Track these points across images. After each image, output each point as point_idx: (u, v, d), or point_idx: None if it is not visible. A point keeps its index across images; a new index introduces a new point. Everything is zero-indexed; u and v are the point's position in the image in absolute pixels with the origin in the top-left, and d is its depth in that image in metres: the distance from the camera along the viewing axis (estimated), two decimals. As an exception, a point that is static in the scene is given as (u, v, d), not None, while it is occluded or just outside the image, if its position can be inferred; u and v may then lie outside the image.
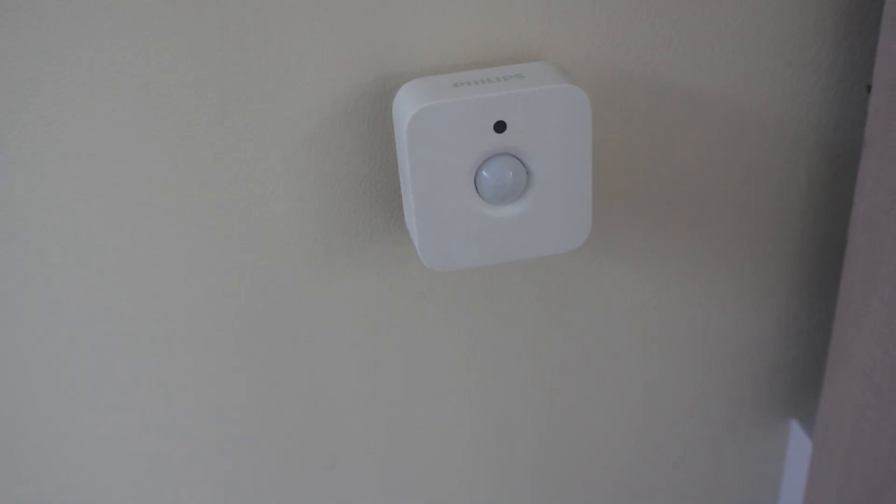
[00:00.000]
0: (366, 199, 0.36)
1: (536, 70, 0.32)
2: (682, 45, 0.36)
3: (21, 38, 0.30)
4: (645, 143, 0.38)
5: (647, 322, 0.43)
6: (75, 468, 0.40)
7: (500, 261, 0.34)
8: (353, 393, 0.41)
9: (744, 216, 0.41)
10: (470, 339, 0.41)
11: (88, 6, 0.30)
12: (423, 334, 0.40)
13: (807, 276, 0.44)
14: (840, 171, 0.41)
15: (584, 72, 0.35)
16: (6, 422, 0.38)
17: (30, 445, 0.39)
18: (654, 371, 0.45)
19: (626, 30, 0.35)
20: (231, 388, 0.40)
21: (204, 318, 0.37)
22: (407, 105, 0.31)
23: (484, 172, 0.32)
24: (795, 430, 0.49)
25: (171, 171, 0.34)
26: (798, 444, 0.49)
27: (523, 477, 0.47)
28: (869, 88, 0.38)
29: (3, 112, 0.31)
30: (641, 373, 0.45)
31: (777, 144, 0.39)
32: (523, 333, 0.42)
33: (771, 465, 0.51)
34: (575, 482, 0.48)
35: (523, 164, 0.32)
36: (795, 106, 0.38)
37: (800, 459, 0.49)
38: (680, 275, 0.42)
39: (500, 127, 0.31)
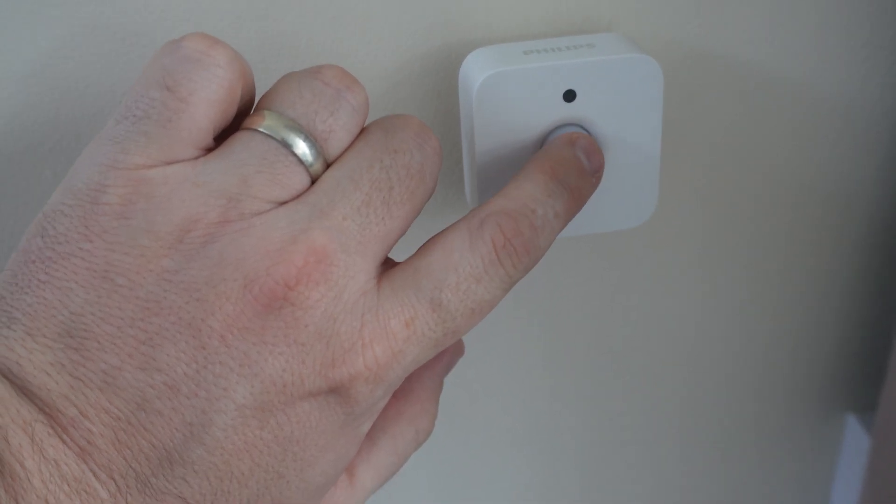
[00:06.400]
0: (426, 170, 0.35)
1: (607, 40, 0.32)
2: (753, 23, 0.35)
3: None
4: (710, 121, 0.37)
5: (701, 306, 0.42)
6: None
7: (561, 235, 0.33)
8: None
9: (808, 201, 0.40)
10: (525, 313, 0.40)
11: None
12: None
13: (871, 264, 0.42)
14: (911, 157, 0.40)
15: (653, 46, 0.34)
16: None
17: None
18: (704, 357, 0.44)
19: (697, 5, 0.34)
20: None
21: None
22: (476, 70, 0.30)
23: (550, 143, 0.31)
24: (852, 424, 0.47)
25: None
26: (854, 440, 0.47)
27: (567, 455, 0.46)
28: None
29: None
30: (692, 359, 0.44)
31: (847, 128, 0.38)
32: (577, 313, 0.41)
33: (823, 460, 0.50)
34: (619, 467, 0.47)
35: (591, 135, 0.32)
36: (868, 89, 0.37)
37: (855, 456, 0.48)
38: (739, 259, 0.41)
39: (569, 96, 0.30)
